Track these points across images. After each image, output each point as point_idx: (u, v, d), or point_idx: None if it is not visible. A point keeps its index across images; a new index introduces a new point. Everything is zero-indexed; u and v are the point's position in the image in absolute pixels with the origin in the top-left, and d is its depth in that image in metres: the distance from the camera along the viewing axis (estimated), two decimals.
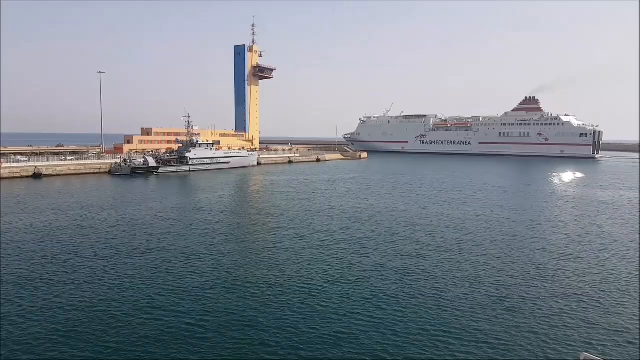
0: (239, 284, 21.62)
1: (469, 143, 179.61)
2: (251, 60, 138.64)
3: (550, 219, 40.07)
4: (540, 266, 25.26)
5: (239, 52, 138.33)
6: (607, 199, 53.13)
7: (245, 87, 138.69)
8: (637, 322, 17.71)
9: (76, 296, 19.74)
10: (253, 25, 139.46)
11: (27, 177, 67.70)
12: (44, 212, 39.74)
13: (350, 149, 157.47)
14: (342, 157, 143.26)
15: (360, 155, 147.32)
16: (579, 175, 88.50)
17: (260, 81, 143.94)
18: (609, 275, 23.75)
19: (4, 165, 67.18)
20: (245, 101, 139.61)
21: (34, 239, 30.00)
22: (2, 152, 77.22)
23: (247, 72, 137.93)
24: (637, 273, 24.15)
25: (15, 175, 66.78)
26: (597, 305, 19.56)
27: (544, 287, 21.68)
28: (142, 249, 27.69)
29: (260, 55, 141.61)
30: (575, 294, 20.89)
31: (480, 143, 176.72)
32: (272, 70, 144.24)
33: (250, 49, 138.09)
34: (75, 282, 21.59)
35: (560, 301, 19.92)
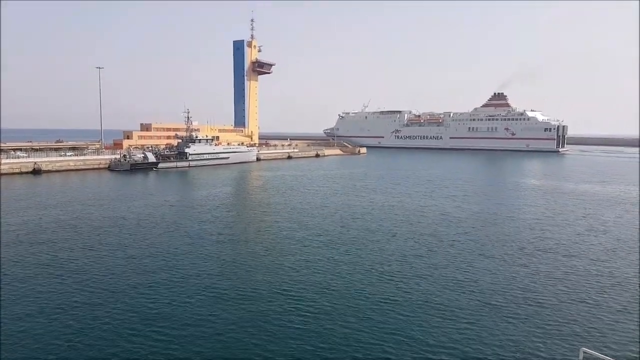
0: (236, 287, 21.74)
1: (441, 138, 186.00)
2: (250, 55, 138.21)
3: (530, 211, 40.26)
4: (538, 262, 25.41)
5: (238, 48, 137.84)
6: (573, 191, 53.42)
7: (244, 82, 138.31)
8: (636, 318, 17.88)
9: (72, 295, 19.84)
10: (252, 21, 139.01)
11: (27, 173, 67.69)
12: (43, 208, 39.78)
13: (349, 145, 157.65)
14: (341, 152, 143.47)
15: (359, 151, 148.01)
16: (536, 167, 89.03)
17: (259, 76, 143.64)
18: (608, 271, 23.90)
19: (3, 161, 67.10)
20: (244, 96, 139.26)
21: (31, 235, 30.06)
22: (1, 148, 77.04)
23: (246, 68, 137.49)
24: (637, 269, 24.32)
25: (14, 171, 66.74)
26: (597, 301, 19.71)
27: (544, 283, 21.83)
28: (138, 248, 27.78)
29: (260, 51, 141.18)
30: (575, 290, 21.05)
31: (451, 138, 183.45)
32: (271, 65, 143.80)
33: (250, 44, 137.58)
34: (71, 280, 21.68)
35: (559, 297, 20.08)
